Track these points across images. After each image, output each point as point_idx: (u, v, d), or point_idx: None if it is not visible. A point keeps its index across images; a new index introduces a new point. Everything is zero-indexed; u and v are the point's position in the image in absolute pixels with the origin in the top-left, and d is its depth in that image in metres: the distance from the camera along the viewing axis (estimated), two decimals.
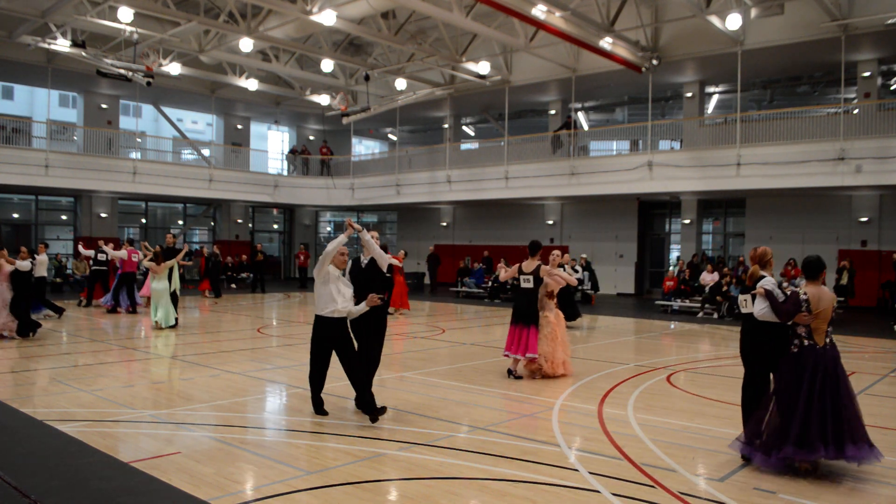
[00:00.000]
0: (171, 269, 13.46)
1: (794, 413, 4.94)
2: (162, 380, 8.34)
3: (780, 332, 5.29)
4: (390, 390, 7.82)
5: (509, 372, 8.71)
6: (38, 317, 13.17)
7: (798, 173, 17.25)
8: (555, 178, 21.65)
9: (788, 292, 5.21)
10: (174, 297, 13.36)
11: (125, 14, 16.15)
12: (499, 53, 22.21)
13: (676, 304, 18.68)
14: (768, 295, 5.18)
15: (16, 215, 26.80)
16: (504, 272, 8.99)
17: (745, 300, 5.57)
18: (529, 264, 8.64)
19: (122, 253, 15.92)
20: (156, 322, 12.92)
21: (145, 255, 14.38)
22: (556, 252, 9.29)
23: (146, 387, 7.85)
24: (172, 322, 13.02)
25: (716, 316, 17.37)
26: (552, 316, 8.79)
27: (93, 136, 23.65)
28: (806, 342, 5.09)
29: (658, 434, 6.06)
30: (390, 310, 17.07)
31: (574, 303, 16.42)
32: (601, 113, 29.31)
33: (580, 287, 21.33)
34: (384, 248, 18.42)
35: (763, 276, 5.41)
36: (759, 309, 5.24)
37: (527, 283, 8.59)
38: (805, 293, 5.09)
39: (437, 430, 6.09)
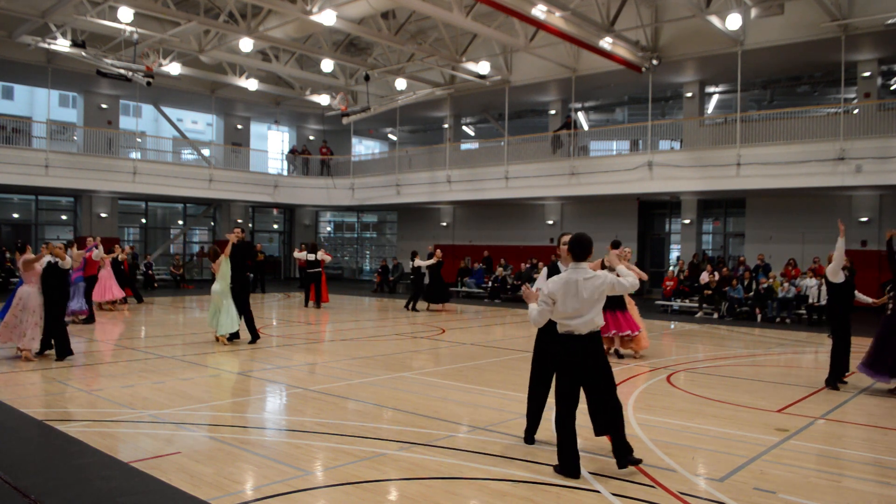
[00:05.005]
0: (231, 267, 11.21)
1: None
2: (162, 380, 8.33)
3: (839, 301, 8.67)
4: (390, 390, 7.82)
5: (616, 353, 10.45)
6: None
7: (798, 173, 17.24)
8: (555, 178, 21.64)
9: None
10: (238, 299, 11.26)
11: (125, 14, 16.15)
12: (499, 53, 22.20)
13: (676, 304, 18.69)
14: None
15: (16, 215, 26.81)
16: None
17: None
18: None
19: (98, 252, 14.29)
20: (218, 334, 11.09)
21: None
22: (628, 249, 10.69)
23: (146, 387, 7.84)
24: (234, 329, 11.10)
25: (716, 316, 17.38)
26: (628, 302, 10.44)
27: (93, 136, 23.65)
28: None
29: (658, 434, 6.06)
30: (310, 303, 18.20)
31: (445, 286, 18.64)
32: (601, 113, 29.30)
33: None
34: (313, 246, 19.30)
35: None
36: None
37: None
38: None
39: (437, 430, 6.09)
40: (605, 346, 10.45)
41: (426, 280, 18.27)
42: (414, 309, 17.98)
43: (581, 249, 4.96)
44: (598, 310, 4.92)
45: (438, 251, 18.77)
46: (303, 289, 18.78)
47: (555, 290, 4.91)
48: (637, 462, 4.92)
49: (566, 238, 5.32)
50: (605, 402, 4.92)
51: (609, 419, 4.92)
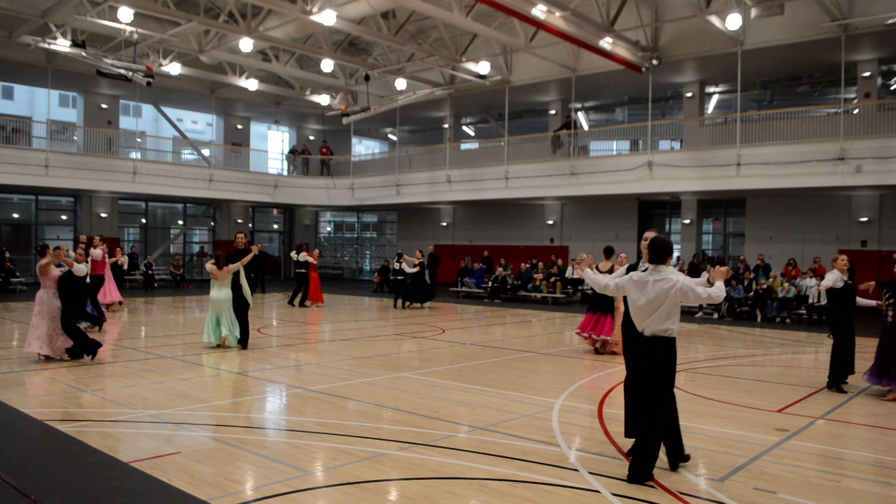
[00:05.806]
0: (237, 275, 10.89)
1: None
2: (162, 380, 8.33)
3: (839, 302, 8.66)
4: (390, 390, 7.82)
5: (596, 350, 10.96)
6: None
7: (798, 173, 17.26)
8: (555, 178, 21.66)
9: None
10: (245, 308, 11.08)
11: (125, 14, 16.15)
12: (499, 53, 22.21)
13: None
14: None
15: (16, 215, 26.80)
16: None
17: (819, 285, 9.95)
18: (605, 264, 10.44)
19: (98, 252, 13.80)
20: (216, 341, 10.73)
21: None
22: (624, 254, 10.75)
23: (146, 387, 7.84)
24: (238, 337, 10.89)
25: (715, 316, 17.38)
26: (622, 307, 10.86)
27: (93, 136, 23.66)
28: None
29: None
30: (307, 303, 18.46)
31: (427, 285, 18.96)
32: (601, 113, 29.30)
33: (581, 287, 21.36)
34: (299, 247, 19.70)
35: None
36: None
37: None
38: None
39: (437, 430, 6.09)
40: (589, 344, 11.19)
41: (410, 280, 18.86)
42: (402, 307, 18.45)
43: (657, 253, 5.00)
44: (661, 313, 4.87)
45: (419, 253, 19.07)
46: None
47: (626, 284, 5.14)
48: (686, 459, 5.15)
49: (648, 234, 5.40)
50: (645, 407, 4.95)
51: (643, 428, 4.93)
